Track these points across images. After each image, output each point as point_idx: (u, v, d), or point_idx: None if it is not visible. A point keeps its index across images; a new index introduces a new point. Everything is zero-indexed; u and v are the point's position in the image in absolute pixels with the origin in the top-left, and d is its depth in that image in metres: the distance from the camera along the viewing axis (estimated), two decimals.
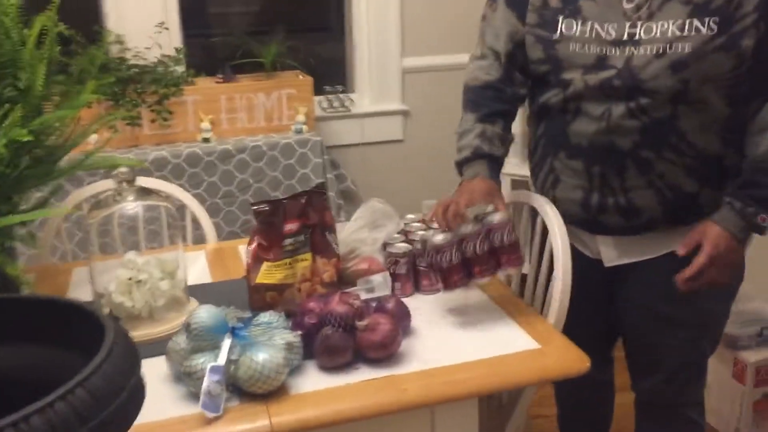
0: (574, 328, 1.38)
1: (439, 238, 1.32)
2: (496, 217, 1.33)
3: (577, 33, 1.35)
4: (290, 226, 1.38)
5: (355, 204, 3.08)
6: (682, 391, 1.51)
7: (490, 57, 1.52)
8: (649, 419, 1.59)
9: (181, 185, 2.22)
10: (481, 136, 1.47)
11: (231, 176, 2.51)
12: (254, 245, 1.36)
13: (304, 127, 2.64)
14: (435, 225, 1.41)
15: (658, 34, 1.28)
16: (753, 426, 2.10)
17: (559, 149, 1.43)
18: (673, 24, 1.27)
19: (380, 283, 1.33)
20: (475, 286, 1.42)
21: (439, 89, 3.10)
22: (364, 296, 1.30)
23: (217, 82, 2.62)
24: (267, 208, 1.37)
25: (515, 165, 3.00)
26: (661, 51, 1.28)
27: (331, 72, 3.24)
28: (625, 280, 1.48)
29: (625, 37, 1.31)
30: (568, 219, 1.51)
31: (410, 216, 1.65)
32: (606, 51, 1.33)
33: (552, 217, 1.49)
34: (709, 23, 1.25)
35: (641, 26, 1.30)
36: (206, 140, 2.54)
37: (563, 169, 1.44)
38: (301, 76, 2.71)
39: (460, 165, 1.50)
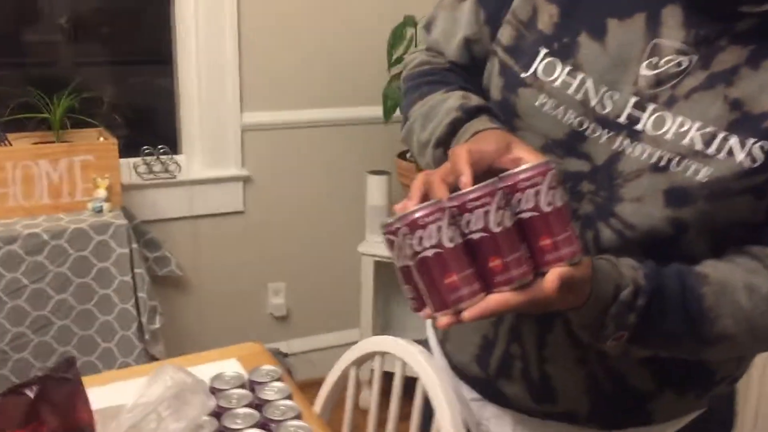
0: None
1: (416, 206, 0.71)
2: (525, 167, 0.73)
3: (558, 82, 0.86)
4: None
5: (181, 292, 2.47)
6: None
7: (436, 54, 1.04)
8: None
9: None
10: (464, 98, 0.92)
11: None
12: None
13: (106, 205, 2.01)
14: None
15: (670, 134, 0.80)
16: None
17: None
18: (697, 128, 0.79)
19: None
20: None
21: (285, 150, 2.57)
22: None
23: None
24: None
25: (383, 244, 2.51)
26: (663, 163, 0.80)
27: (157, 126, 2.63)
28: None
29: (623, 118, 0.83)
30: (460, 375, 1.03)
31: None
32: (588, 128, 0.85)
33: (432, 377, 0.99)
34: (752, 148, 0.77)
35: (652, 112, 0.82)
36: None
37: None
38: (102, 138, 2.08)
39: (441, 141, 0.91)
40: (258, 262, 2.62)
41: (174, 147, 2.47)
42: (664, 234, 0.81)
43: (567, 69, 0.86)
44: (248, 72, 2.45)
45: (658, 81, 0.82)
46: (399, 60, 2.34)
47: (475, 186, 0.71)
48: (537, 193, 0.71)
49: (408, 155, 2.47)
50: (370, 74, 2.51)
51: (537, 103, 0.88)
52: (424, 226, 0.69)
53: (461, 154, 0.74)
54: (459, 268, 0.70)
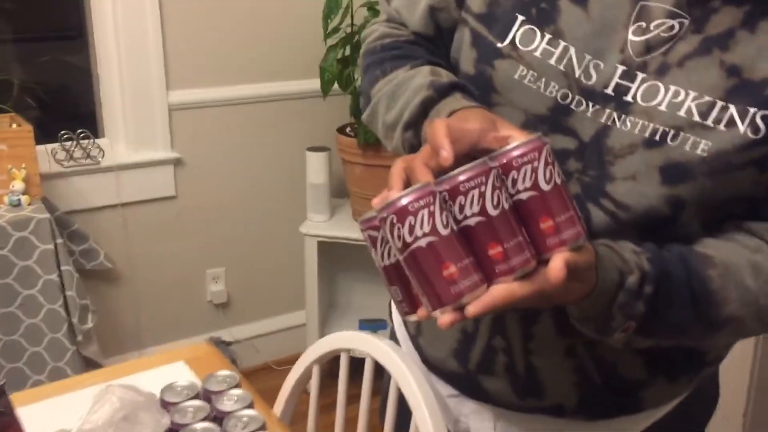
0: None
1: (401, 193, 0.62)
2: (518, 143, 0.65)
3: (538, 52, 0.79)
4: None
5: (114, 286, 2.32)
6: None
7: (398, 26, 0.94)
8: None
9: None
10: (433, 74, 0.83)
11: None
12: None
13: (24, 198, 1.83)
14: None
15: (664, 105, 0.73)
16: None
17: None
18: (693, 98, 0.72)
19: None
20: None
21: (217, 129, 2.42)
22: None
23: None
24: None
25: (325, 223, 2.42)
26: (657, 137, 0.73)
27: (74, 108, 2.44)
28: None
29: (611, 89, 0.76)
30: (435, 370, 0.96)
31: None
32: (573, 100, 0.78)
33: (407, 375, 0.91)
34: (755, 118, 0.71)
35: (641, 82, 0.75)
36: None
37: None
38: (15, 125, 1.89)
39: (411, 123, 0.82)
40: (194, 248, 2.49)
41: (95, 130, 2.29)
42: (660, 214, 0.75)
43: (547, 37, 0.79)
44: (173, 46, 2.28)
45: (648, 47, 0.75)
46: (336, 30, 2.22)
47: (466, 166, 0.62)
48: (534, 171, 0.63)
49: (348, 130, 2.36)
50: (305, 45, 2.38)
51: (516, 76, 0.80)
52: (414, 213, 0.61)
53: (440, 128, 0.66)
54: (457, 257, 0.61)
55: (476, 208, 0.62)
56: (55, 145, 2.18)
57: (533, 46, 0.79)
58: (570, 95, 0.78)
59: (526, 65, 0.79)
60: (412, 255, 0.61)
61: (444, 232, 0.61)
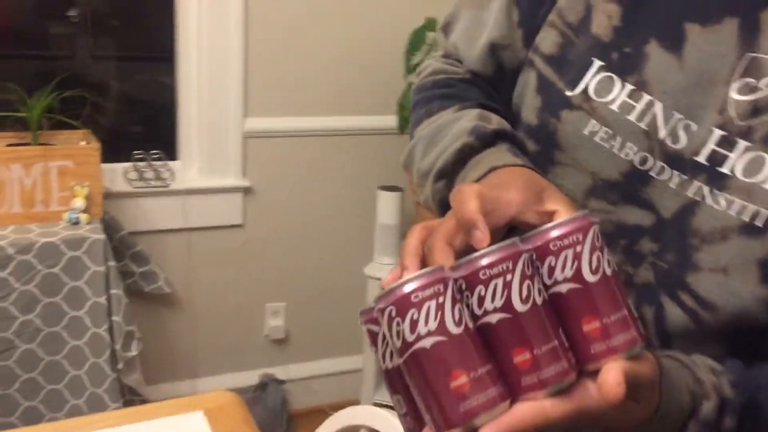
0: None
1: (407, 277, 0.49)
2: (559, 221, 0.51)
3: (616, 105, 0.64)
4: None
5: (171, 310, 2.27)
6: None
7: (454, 62, 0.82)
8: None
9: None
10: (481, 119, 0.69)
11: None
12: None
13: (83, 217, 1.81)
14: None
15: None
16: None
17: None
18: None
19: None
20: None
21: (290, 160, 2.36)
22: None
23: None
24: None
25: (392, 267, 2.29)
26: (759, 222, 0.58)
27: (156, 129, 2.44)
28: None
29: (703, 157, 0.61)
30: None
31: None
32: (654, 166, 0.63)
33: None
34: None
35: (744, 151, 0.59)
36: None
37: None
38: (83, 142, 1.87)
39: (444, 172, 0.69)
40: (256, 280, 2.41)
41: (170, 152, 2.27)
42: (755, 320, 0.58)
43: (629, 88, 0.64)
44: (254, 73, 2.24)
45: (755, 109, 0.59)
46: (417, 66, 2.12)
47: (490, 247, 0.49)
48: (576, 257, 0.49)
49: None
50: (386, 81, 2.29)
51: (586, 131, 0.65)
52: (418, 304, 0.47)
53: (469, 197, 0.53)
54: (470, 364, 0.48)
55: (499, 302, 0.48)
56: (128, 165, 2.16)
57: (610, 98, 0.64)
58: (650, 160, 0.63)
59: (600, 120, 0.65)
60: (413, 358, 0.48)
61: (455, 330, 0.47)
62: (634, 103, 0.63)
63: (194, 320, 2.34)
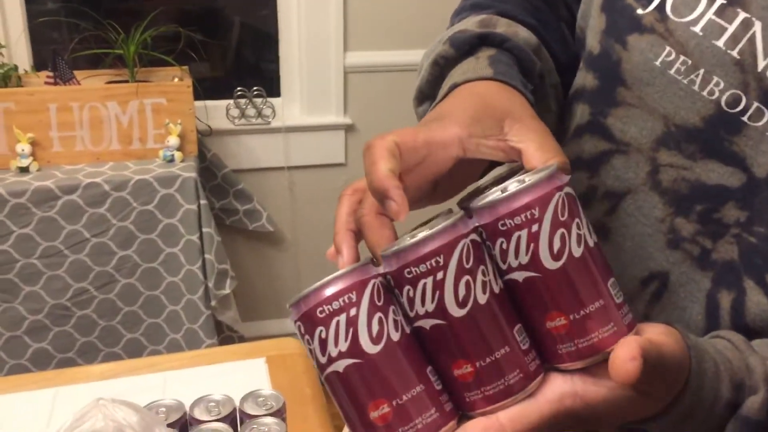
0: None
1: (312, 287, 0.40)
2: (513, 193, 0.38)
3: (699, 26, 0.49)
4: None
5: (275, 249, 2.27)
6: None
7: None
8: None
9: None
10: (481, 25, 0.56)
11: (54, 227, 1.68)
12: None
13: (177, 154, 1.81)
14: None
15: None
16: None
17: None
18: None
19: None
20: None
21: (393, 95, 2.25)
22: None
23: (47, 83, 1.78)
24: None
25: None
26: None
27: (247, 67, 2.41)
28: None
29: None
30: None
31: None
32: (748, 108, 0.48)
33: None
34: None
35: None
36: (23, 170, 1.72)
37: None
38: (177, 78, 1.86)
39: (424, 93, 0.57)
40: None
41: (271, 89, 2.23)
42: None
43: (718, 2, 0.48)
44: (353, 5, 2.13)
45: None
46: None
47: (420, 234, 0.37)
48: (533, 238, 0.37)
49: None
50: None
51: (658, 62, 0.51)
52: (325, 321, 0.38)
53: (378, 157, 0.41)
54: (393, 389, 0.37)
55: (431, 305, 0.37)
56: (230, 102, 2.15)
57: (692, 16, 0.49)
58: (744, 100, 0.48)
59: (676, 46, 0.50)
60: (328, 382, 0.39)
61: (373, 349, 0.37)
62: (724, 24, 0.48)
63: (295, 259, 2.33)
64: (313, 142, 2.25)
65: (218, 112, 2.14)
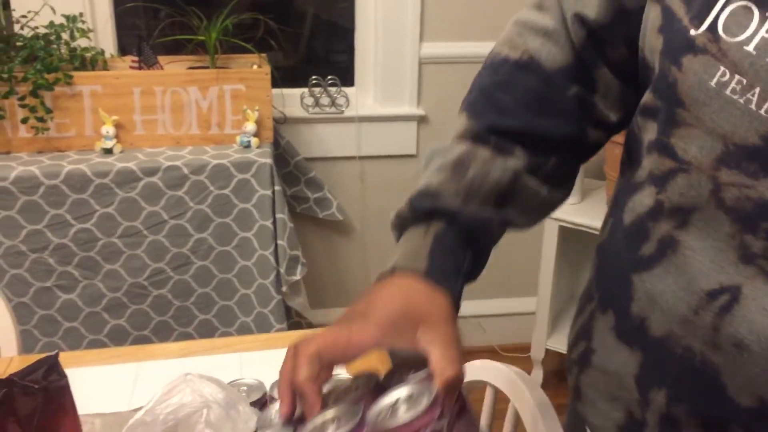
0: None
1: None
2: (425, 387, 0.50)
3: (753, 45, 0.48)
4: None
5: (344, 238, 2.29)
6: None
7: (555, 19, 0.66)
8: None
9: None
10: (454, 167, 0.64)
11: (135, 208, 1.73)
12: None
13: (254, 140, 1.83)
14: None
15: None
16: None
17: (611, 301, 0.64)
18: None
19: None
20: None
21: (467, 87, 2.21)
22: None
23: (131, 67, 1.83)
24: None
25: (574, 206, 2.12)
26: None
27: (322, 56, 2.42)
28: None
29: None
30: None
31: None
32: None
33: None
34: None
35: None
36: (107, 151, 1.77)
37: (605, 348, 0.64)
38: (256, 65, 1.89)
39: (392, 228, 0.69)
40: None
41: (346, 79, 2.23)
42: None
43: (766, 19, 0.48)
44: None
45: None
46: None
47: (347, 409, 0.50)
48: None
49: None
50: None
51: (713, 83, 0.50)
52: None
53: (301, 364, 0.53)
54: None
55: None
56: (304, 90, 2.17)
57: (745, 35, 0.49)
58: None
59: (730, 66, 0.49)
60: None
61: None
62: None
63: (364, 249, 2.34)
64: (386, 133, 2.25)
65: (293, 100, 2.16)
